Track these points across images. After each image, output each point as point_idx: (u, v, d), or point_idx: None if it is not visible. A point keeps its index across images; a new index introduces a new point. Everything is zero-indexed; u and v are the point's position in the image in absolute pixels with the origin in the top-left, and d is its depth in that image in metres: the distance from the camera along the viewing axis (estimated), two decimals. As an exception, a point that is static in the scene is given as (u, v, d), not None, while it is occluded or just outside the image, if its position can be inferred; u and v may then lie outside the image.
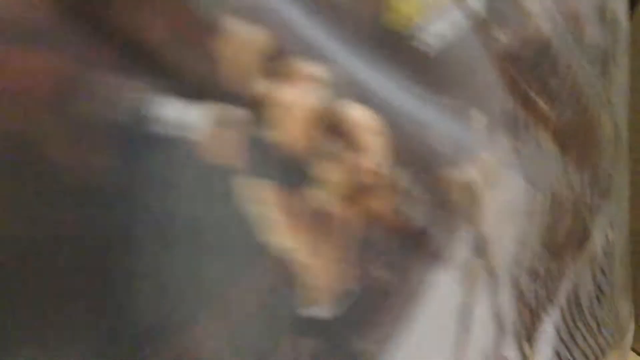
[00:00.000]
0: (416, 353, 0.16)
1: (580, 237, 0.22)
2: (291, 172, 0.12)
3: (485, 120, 0.18)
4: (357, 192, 0.14)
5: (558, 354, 0.21)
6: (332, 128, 0.13)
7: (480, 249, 0.18)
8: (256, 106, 0.12)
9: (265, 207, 0.12)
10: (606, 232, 0.23)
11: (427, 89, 0.16)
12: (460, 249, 0.17)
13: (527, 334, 0.20)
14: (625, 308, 0.28)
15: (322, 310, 0.13)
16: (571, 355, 0.21)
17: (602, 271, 0.22)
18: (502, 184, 0.19)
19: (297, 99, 0.12)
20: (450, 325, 0.17)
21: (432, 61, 0.16)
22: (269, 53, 0.12)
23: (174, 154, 0.10)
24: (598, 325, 0.22)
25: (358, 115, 0.14)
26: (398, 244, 0.15)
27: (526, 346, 0.20)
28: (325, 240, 0.13)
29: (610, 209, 0.24)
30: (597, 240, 0.23)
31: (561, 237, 0.22)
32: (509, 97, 0.19)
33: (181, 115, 0.10)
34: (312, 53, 0.13)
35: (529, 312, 0.20)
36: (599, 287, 0.22)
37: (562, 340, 0.21)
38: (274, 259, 0.12)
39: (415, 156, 0.15)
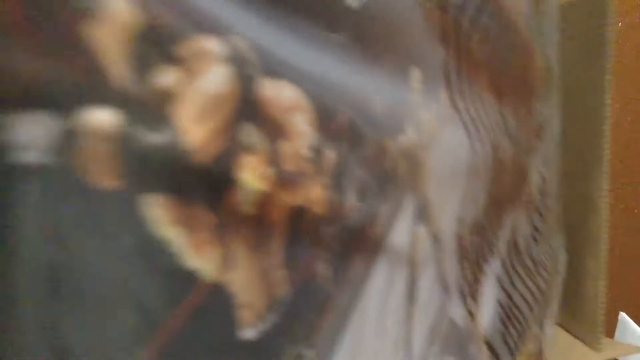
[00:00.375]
0: (368, 343, 0.15)
1: (519, 183, 0.22)
2: (201, 180, 0.10)
3: (423, 76, 0.16)
4: (280, 185, 0.12)
5: (500, 303, 0.21)
6: (249, 114, 0.11)
7: (424, 215, 0.17)
8: (152, 104, 0.09)
9: (167, 228, 0.10)
10: (541, 172, 0.23)
11: (363, 49, 0.14)
12: (405, 221, 0.16)
13: (471, 290, 0.20)
14: (557, 239, 0.29)
15: (256, 327, 0.12)
16: (512, 301, 0.21)
17: (538, 211, 0.22)
18: (443, 142, 0.18)
19: (203, 87, 0.10)
20: (398, 304, 0.17)
21: (360, 16, 0.14)
22: (156, 36, 0.09)
23: (49, 184, 0.08)
24: (535, 264, 0.23)
25: (275, 92, 0.12)
26: (336, 232, 0.14)
27: (471, 302, 0.20)
28: (243, 251, 0.12)
29: (544, 147, 0.23)
30: (533, 182, 0.22)
31: (504, 187, 0.21)
32: (444, 47, 0.17)
33: (41, 135, 0.08)
34: (211, 27, 0.10)
35: (472, 267, 0.20)
36: (535, 228, 0.22)
37: (503, 288, 0.21)
38: (204, 283, 0.11)
39: (348, 128, 0.13)
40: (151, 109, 0.09)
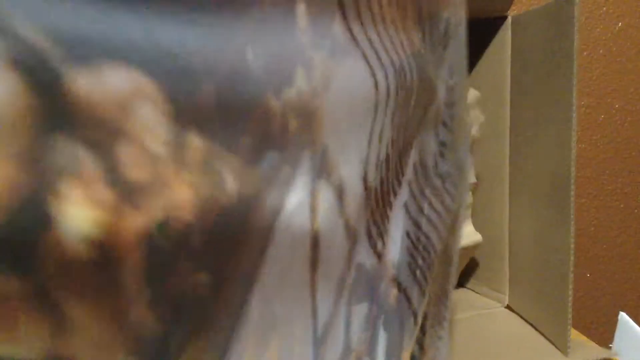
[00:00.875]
0: (269, 332, 0.14)
1: (426, 103, 0.20)
2: None
3: (310, 9, 0.14)
4: (126, 203, 0.09)
5: (408, 234, 0.19)
6: (61, 124, 0.08)
7: (324, 168, 0.16)
8: None
9: None
10: (447, 82, 0.21)
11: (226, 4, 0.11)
12: (303, 182, 0.14)
13: (379, 229, 0.18)
14: (464, 144, 0.26)
15: None
16: (420, 230, 0.20)
17: (444, 123, 0.21)
18: (340, 81, 0.16)
19: None
20: (299, 276, 0.15)
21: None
22: None
23: None
24: (443, 180, 0.21)
25: (98, 84, 0.09)
26: (212, 233, 0.11)
27: (379, 242, 0.18)
28: (83, 306, 0.09)
29: (449, 54, 0.21)
30: (440, 94, 0.21)
31: (410, 112, 0.19)
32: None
33: None
34: None
35: (379, 205, 0.18)
36: (441, 143, 0.21)
37: (410, 216, 0.19)
38: None
39: (216, 102, 0.11)
40: None
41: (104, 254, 0.09)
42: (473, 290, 0.55)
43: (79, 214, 0.09)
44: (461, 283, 0.55)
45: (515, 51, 0.46)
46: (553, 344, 0.40)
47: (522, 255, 0.46)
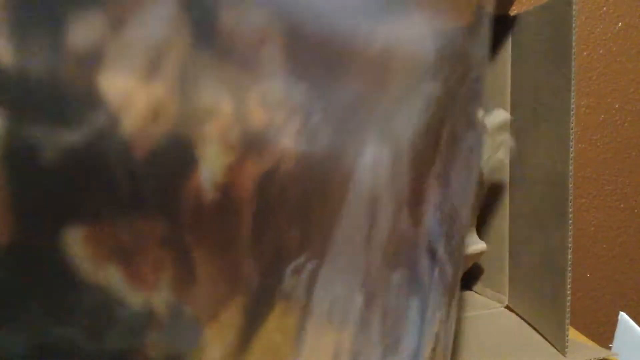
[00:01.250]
0: (336, 289, 0.14)
1: (463, 73, 0.20)
2: (146, 175, 0.08)
3: None
4: (248, 149, 0.09)
5: (440, 205, 0.20)
6: (207, 61, 0.08)
7: (387, 129, 0.16)
8: (66, 81, 0.07)
9: (98, 271, 0.08)
10: (477, 60, 0.22)
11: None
12: (372, 140, 0.15)
13: (418, 198, 0.19)
14: (479, 125, 0.26)
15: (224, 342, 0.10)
16: (449, 201, 0.20)
17: (473, 98, 0.22)
18: (406, 40, 0.16)
19: (135, 35, 0.07)
20: (361, 239, 0.15)
21: None
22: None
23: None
24: (469, 153, 0.22)
25: (239, 22, 0.09)
26: (305, 186, 0.11)
27: (417, 210, 0.19)
28: (205, 252, 0.09)
29: (482, 35, 0.22)
30: (473, 70, 0.21)
31: (453, 81, 0.20)
32: None
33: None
34: None
35: (418, 172, 0.19)
36: (469, 116, 0.21)
37: (443, 188, 0.20)
38: (158, 315, 0.09)
39: (321, 49, 0.11)
40: (65, 90, 0.07)
41: (227, 198, 0.09)
42: (473, 291, 0.55)
43: (214, 156, 0.09)
44: (467, 286, 0.56)
45: (516, 50, 0.47)
46: (552, 344, 0.41)
47: (522, 256, 0.47)
